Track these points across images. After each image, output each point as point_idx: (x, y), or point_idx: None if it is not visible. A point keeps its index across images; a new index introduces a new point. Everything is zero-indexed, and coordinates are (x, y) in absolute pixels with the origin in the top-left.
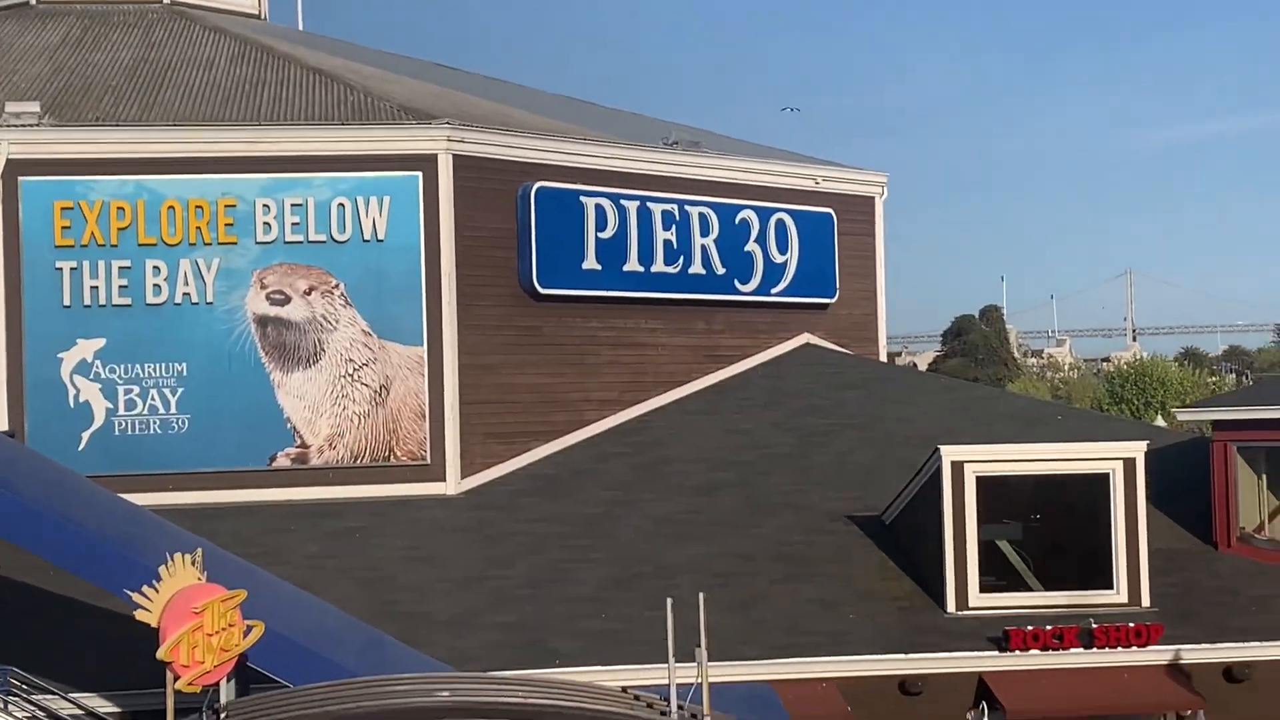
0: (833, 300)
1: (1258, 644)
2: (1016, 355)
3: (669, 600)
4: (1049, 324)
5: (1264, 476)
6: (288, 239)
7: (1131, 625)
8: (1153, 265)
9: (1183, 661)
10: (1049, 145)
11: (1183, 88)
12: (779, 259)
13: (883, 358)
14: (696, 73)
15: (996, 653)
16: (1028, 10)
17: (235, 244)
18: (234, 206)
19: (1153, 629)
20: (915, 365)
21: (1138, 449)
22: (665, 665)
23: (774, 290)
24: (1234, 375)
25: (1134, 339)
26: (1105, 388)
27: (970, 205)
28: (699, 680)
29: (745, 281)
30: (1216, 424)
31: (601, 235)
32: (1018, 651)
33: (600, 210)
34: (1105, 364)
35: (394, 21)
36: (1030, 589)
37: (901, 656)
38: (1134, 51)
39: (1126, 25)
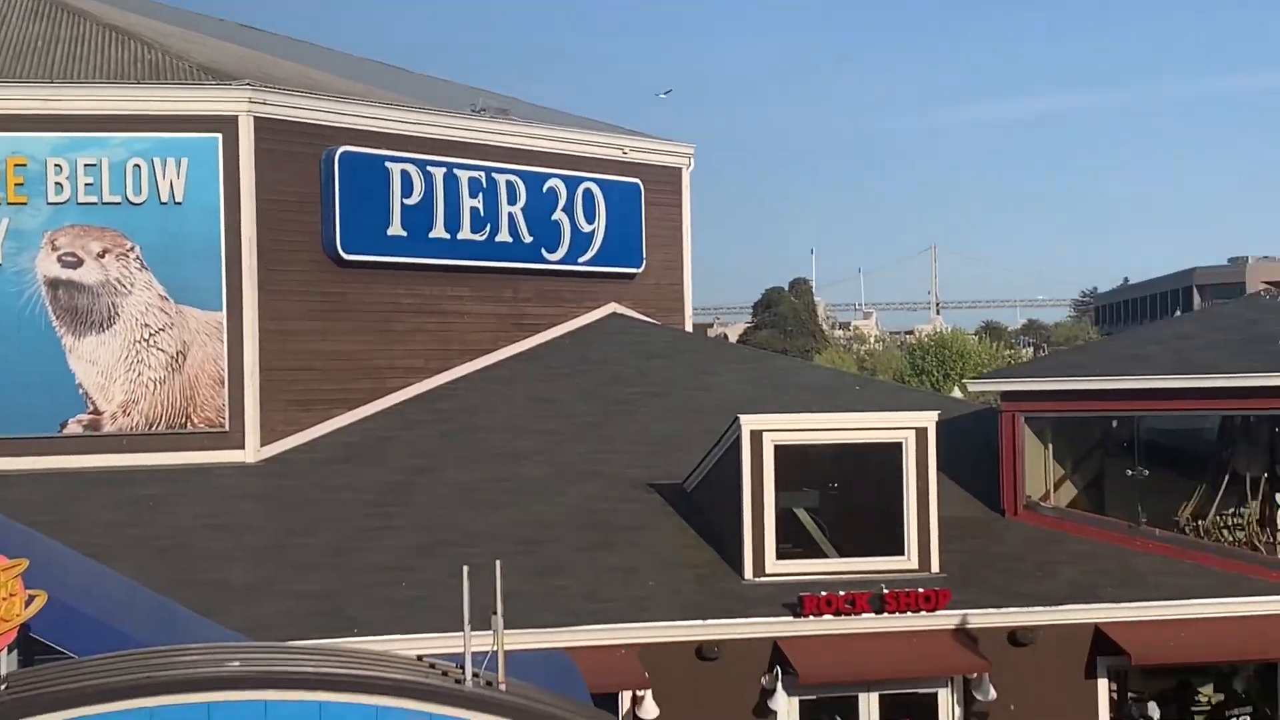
0: (639, 270)
1: (1041, 609)
2: (824, 327)
3: (465, 568)
4: (857, 297)
5: (1050, 446)
6: (81, 200)
7: (921, 591)
8: (958, 241)
9: (970, 626)
10: (860, 121)
11: (991, 67)
12: (586, 228)
13: (689, 328)
14: (511, 41)
15: (791, 618)
16: None
17: (25, 204)
18: (24, 166)
19: (941, 594)
20: (726, 336)
21: (929, 419)
22: (462, 633)
23: (581, 259)
24: (1031, 349)
25: (937, 313)
26: (907, 360)
27: (783, 179)
28: (494, 648)
29: (553, 250)
30: (1005, 395)
31: (407, 201)
32: (811, 617)
33: (406, 176)
34: (909, 336)
35: None
36: (825, 556)
37: (698, 623)
38: (943, 31)
39: (935, 3)
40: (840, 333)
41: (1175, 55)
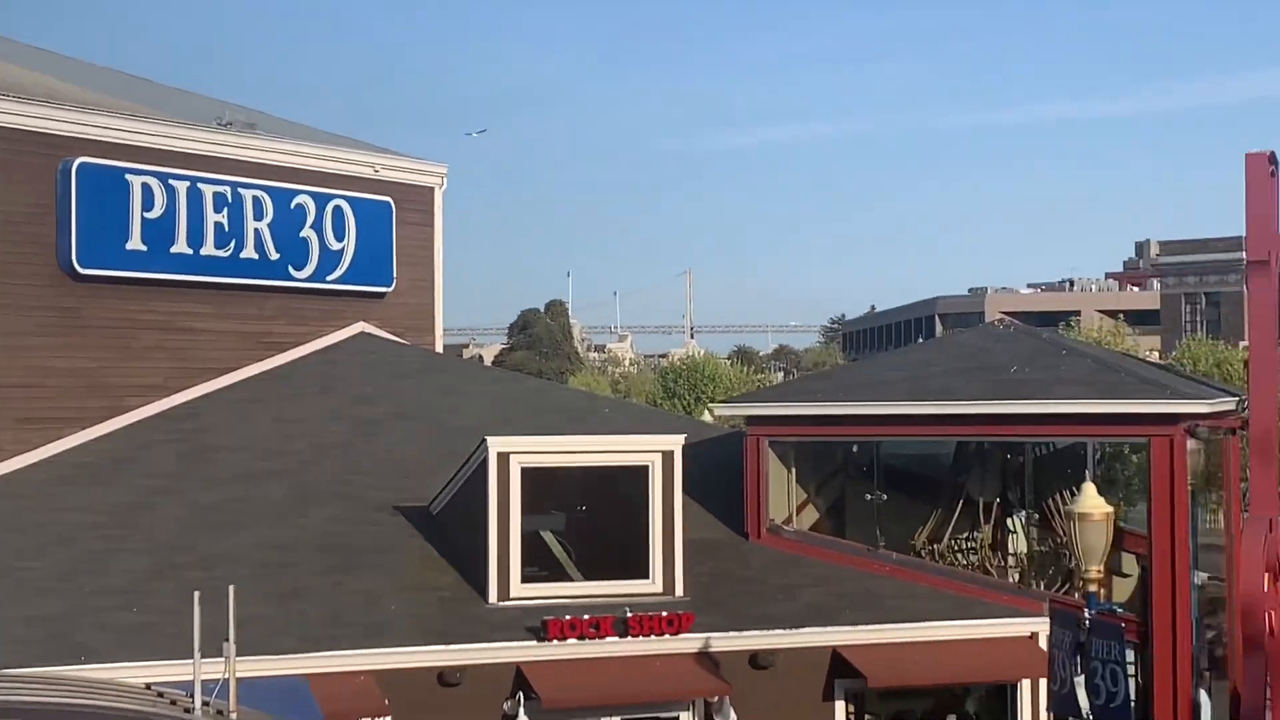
0: (389, 289)
1: (781, 632)
2: (580, 349)
3: (196, 593)
4: (613, 319)
5: (794, 470)
6: None
7: (664, 614)
8: (712, 266)
9: (712, 650)
10: (619, 143)
11: (756, 92)
12: (335, 246)
13: (439, 348)
14: (264, 56)
15: (535, 642)
16: (602, 8)
17: None
18: None
19: (684, 617)
20: (481, 357)
21: (675, 442)
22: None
23: (329, 277)
24: (781, 373)
25: (691, 336)
26: (660, 383)
27: (541, 199)
28: (226, 675)
29: (300, 268)
30: (750, 419)
31: (148, 215)
32: (555, 641)
33: (147, 189)
34: (663, 360)
35: None
36: (571, 579)
37: (440, 648)
38: (704, 54)
39: (691, 30)
40: (595, 355)
41: (920, 91)
